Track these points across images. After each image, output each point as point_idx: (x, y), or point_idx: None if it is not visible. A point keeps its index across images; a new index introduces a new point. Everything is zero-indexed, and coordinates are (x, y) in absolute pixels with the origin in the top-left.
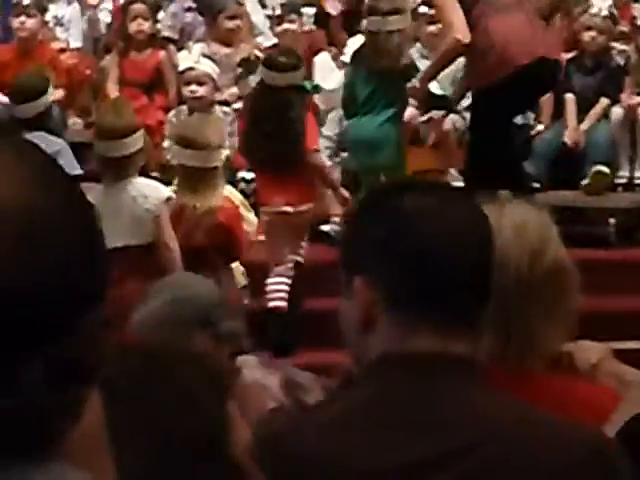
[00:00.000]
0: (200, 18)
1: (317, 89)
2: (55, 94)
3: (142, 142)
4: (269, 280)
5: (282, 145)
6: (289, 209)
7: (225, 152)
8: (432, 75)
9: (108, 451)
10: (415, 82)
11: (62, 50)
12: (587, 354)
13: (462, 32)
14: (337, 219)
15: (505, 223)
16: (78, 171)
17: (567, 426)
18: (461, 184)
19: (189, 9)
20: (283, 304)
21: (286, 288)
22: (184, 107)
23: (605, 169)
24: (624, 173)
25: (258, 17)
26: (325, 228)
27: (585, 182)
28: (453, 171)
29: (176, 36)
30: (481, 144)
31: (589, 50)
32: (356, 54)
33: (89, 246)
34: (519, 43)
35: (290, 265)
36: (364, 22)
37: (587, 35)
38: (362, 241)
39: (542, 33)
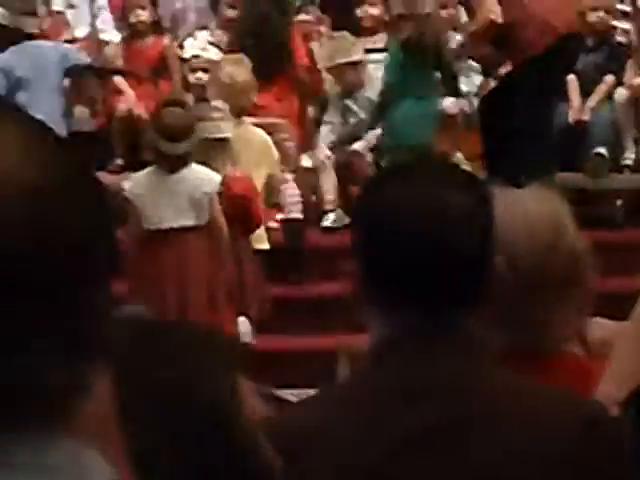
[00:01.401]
0: (192, 4)
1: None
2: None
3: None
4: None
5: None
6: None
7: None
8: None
9: (118, 427)
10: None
11: (69, 41)
12: (599, 332)
13: (494, 12)
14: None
15: (519, 212)
16: None
17: (564, 398)
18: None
19: None
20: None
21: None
22: None
23: (603, 151)
24: (630, 155)
25: None
26: (326, 223)
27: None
28: (459, 155)
29: (167, 24)
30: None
31: (595, 29)
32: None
33: (101, 223)
34: (559, 13)
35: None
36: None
37: (594, 15)
38: (353, 225)
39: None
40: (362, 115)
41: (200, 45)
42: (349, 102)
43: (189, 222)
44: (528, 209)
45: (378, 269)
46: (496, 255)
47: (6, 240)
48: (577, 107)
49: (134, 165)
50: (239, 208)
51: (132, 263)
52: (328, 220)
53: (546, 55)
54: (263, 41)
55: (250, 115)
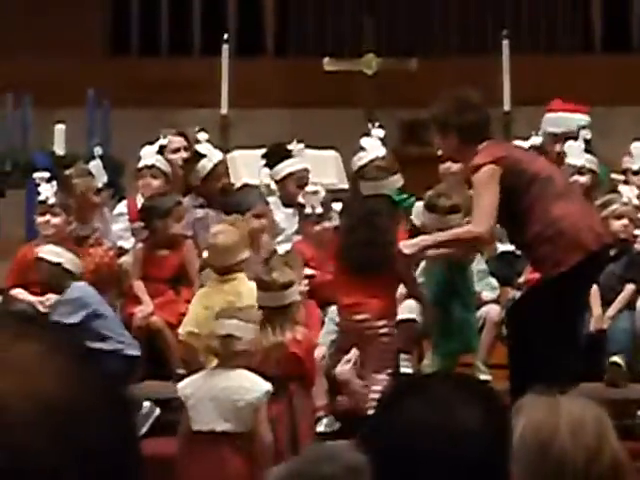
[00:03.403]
0: (212, 214)
1: (408, 203)
2: None
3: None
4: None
5: (372, 250)
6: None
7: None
8: (429, 247)
9: None
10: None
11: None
12: None
13: (482, 224)
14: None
15: (562, 421)
16: None
17: None
18: (488, 377)
19: (201, 206)
20: None
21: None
22: None
23: (619, 360)
24: None
25: (279, 216)
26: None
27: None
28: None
29: (190, 232)
30: (548, 332)
31: (617, 238)
32: None
33: (124, 442)
34: (587, 229)
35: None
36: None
37: (617, 224)
38: (368, 437)
39: (599, 218)
40: None
41: None
42: None
43: (229, 428)
44: (572, 414)
45: None
46: (512, 464)
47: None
48: (598, 316)
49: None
50: (296, 368)
51: (179, 464)
52: (321, 425)
53: (575, 271)
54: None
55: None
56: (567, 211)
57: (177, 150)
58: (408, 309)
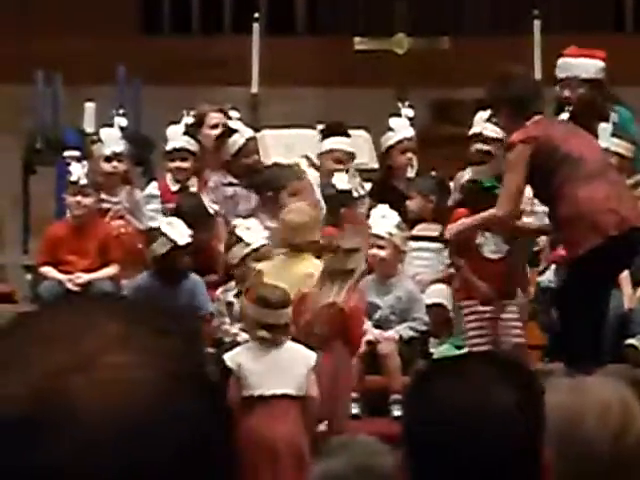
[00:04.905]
0: (244, 193)
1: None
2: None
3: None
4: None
5: None
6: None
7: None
8: (463, 232)
9: None
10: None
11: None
12: None
13: (503, 207)
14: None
15: (587, 403)
16: None
17: None
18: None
19: (230, 184)
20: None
21: None
22: None
23: (636, 342)
24: None
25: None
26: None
27: None
28: None
29: (222, 210)
30: (570, 314)
31: None
32: None
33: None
34: (608, 213)
35: None
36: None
37: None
38: (403, 418)
39: (629, 201)
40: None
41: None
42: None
43: (291, 391)
44: (598, 396)
45: (427, 465)
46: (547, 446)
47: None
48: (628, 295)
49: None
50: (342, 331)
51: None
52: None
53: (593, 255)
54: None
55: None
56: (591, 194)
57: (215, 126)
58: (436, 293)
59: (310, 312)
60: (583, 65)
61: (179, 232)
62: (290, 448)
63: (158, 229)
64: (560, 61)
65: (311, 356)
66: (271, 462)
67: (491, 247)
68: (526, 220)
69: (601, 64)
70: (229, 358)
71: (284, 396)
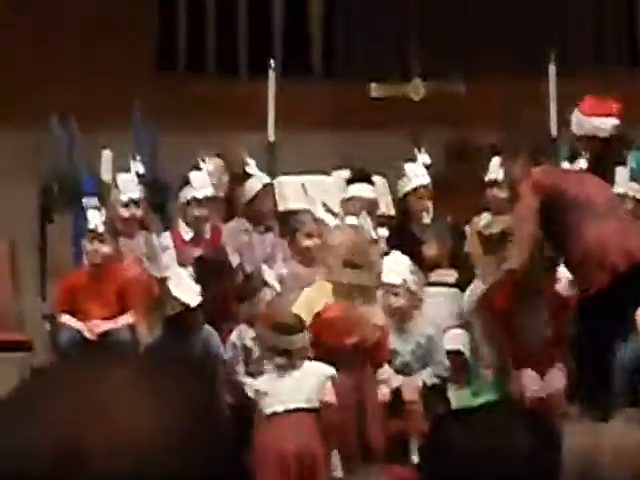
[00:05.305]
0: (259, 238)
1: None
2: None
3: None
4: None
5: None
6: None
7: None
8: None
9: None
10: None
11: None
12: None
13: (518, 261)
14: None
15: (605, 446)
16: None
17: None
18: None
19: (246, 230)
20: None
21: None
22: None
23: None
24: None
25: None
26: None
27: None
28: None
29: (237, 259)
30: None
31: None
32: None
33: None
34: (616, 250)
35: None
36: None
37: None
38: (421, 463)
39: (638, 236)
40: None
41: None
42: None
43: (304, 405)
44: (615, 439)
45: None
46: None
47: None
48: None
49: None
50: (372, 342)
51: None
52: None
53: (604, 294)
54: None
55: None
56: (598, 232)
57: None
58: (454, 339)
59: (362, 330)
60: (598, 124)
61: (189, 293)
62: (303, 461)
63: (169, 291)
64: (575, 117)
65: (328, 369)
66: (284, 475)
67: None
68: None
69: (616, 122)
70: (249, 386)
71: (298, 410)
